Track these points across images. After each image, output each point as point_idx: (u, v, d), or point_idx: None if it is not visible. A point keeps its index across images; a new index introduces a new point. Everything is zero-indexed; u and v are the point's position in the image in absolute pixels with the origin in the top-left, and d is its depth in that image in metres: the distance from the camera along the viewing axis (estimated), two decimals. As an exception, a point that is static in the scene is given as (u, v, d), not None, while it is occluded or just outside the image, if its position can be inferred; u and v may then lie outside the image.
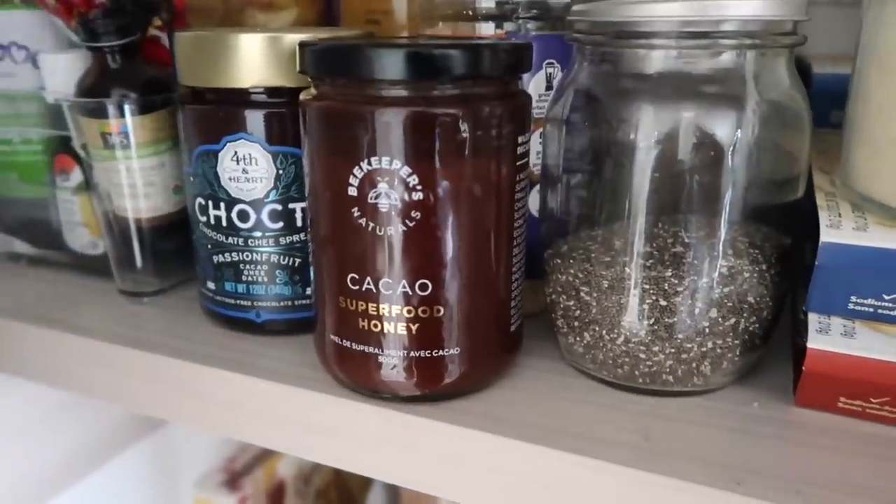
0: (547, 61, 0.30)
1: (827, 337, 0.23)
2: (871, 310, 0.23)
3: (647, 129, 0.24)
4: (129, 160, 0.33)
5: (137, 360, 0.31)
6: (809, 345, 0.23)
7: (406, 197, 0.23)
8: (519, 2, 0.29)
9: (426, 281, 0.24)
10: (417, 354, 0.25)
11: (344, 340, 0.26)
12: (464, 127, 0.23)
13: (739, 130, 0.24)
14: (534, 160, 0.30)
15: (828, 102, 0.33)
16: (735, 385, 0.27)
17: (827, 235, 0.23)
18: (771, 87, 0.24)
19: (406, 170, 0.23)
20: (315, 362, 0.28)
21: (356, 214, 0.24)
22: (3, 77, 0.37)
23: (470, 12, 0.30)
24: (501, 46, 0.23)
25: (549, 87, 0.30)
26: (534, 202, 0.30)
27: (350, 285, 0.25)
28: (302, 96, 0.25)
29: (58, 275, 0.39)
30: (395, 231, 0.23)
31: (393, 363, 0.25)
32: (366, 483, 0.72)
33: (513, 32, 0.29)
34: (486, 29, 0.30)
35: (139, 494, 0.61)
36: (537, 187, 0.30)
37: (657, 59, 0.24)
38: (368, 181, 0.23)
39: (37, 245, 0.40)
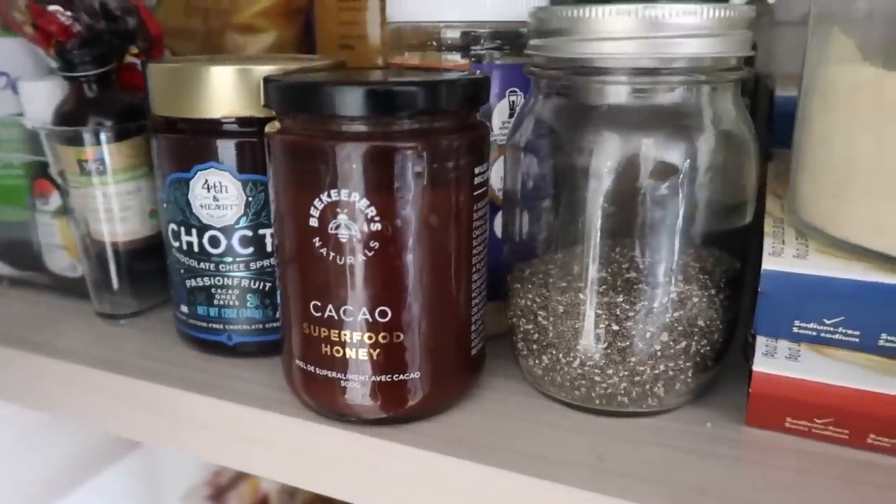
0: (510, 90, 0.30)
1: (772, 360, 0.24)
2: (815, 333, 0.24)
3: (600, 159, 0.25)
4: (105, 186, 0.33)
5: (113, 383, 0.32)
6: (755, 368, 0.24)
7: (365, 228, 0.24)
8: (482, 33, 0.30)
9: (386, 308, 0.25)
10: (380, 379, 0.26)
11: (309, 365, 0.26)
12: (421, 160, 0.24)
13: (689, 160, 0.24)
14: (499, 185, 0.31)
15: (789, 123, 0.34)
16: (689, 405, 0.28)
17: (768, 263, 0.24)
18: (719, 118, 0.25)
19: (364, 202, 0.24)
20: (283, 384, 0.29)
21: (317, 244, 0.24)
22: (-17, 103, 0.38)
23: (435, 42, 0.31)
24: (459, 81, 0.24)
25: (511, 114, 0.31)
26: (499, 224, 0.31)
27: (313, 312, 0.25)
28: (267, 129, 0.26)
29: (38, 296, 0.40)
30: (354, 260, 0.24)
31: (356, 387, 0.26)
32: (351, 496, 0.73)
33: (477, 62, 0.30)
34: (452, 58, 0.30)
35: (124, 510, 0.62)
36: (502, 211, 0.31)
37: (610, 93, 0.25)
38: (329, 212, 0.24)
39: (17, 267, 0.40)
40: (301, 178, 0.24)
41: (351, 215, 0.24)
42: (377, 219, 0.24)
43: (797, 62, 0.31)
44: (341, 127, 0.24)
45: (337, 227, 0.24)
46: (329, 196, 0.24)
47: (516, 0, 0.30)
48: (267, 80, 0.25)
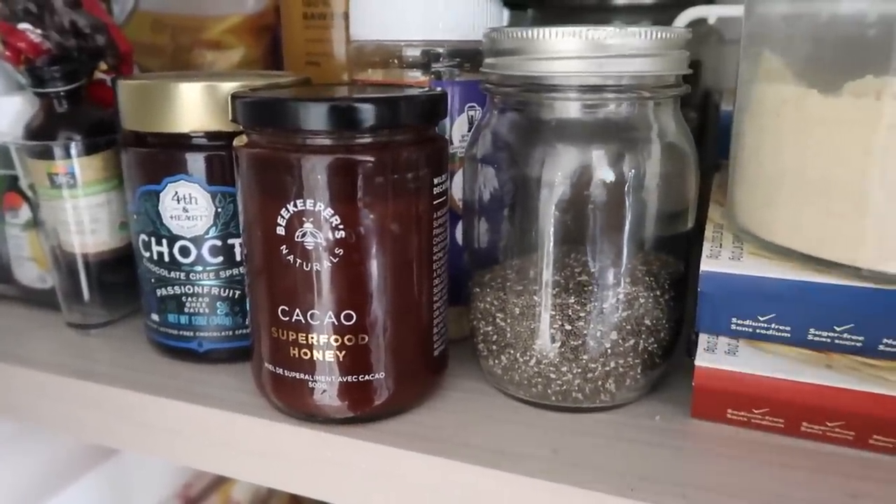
0: (469, 105, 0.32)
1: (713, 355, 0.26)
2: (751, 330, 0.26)
3: (551, 170, 0.27)
4: (75, 199, 0.34)
5: (84, 391, 0.32)
6: (697, 362, 0.26)
7: (329, 236, 0.25)
8: (442, 51, 0.32)
9: (351, 311, 0.26)
10: (346, 379, 0.27)
11: (278, 368, 0.28)
12: (383, 172, 0.25)
13: (634, 170, 0.26)
14: (460, 195, 0.32)
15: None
16: (640, 401, 0.29)
17: (706, 265, 0.26)
18: (662, 131, 0.27)
19: (329, 211, 0.25)
20: (254, 388, 0.30)
21: (284, 252, 0.26)
22: (-48, 118, 0.38)
23: (397, 60, 0.32)
24: (417, 97, 0.26)
25: (470, 128, 0.32)
26: (460, 232, 0.33)
27: (281, 316, 0.27)
28: (235, 142, 0.27)
29: (6, 308, 0.40)
30: (320, 266, 0.26)
31: (324, 388, 0.27)
32: (322, 505, 0.73)
33: (437, 79, 0.32)
34: (413, 75, 0.32)
35: (93, 523, 0.61)
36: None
37: (560, 108, 0.27)
38: (295, 221, 0.25)
39: (-14, 279, 0.41)
40: (268, 188, 0.26)
41: (316, 224, 0.25)
42: (341, 227, 0.25)
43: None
44: (306, 141, 0.25)
45: (303, 236, 0.25)
46: (295, 206, 0.25)
47: (474, 20, 0.32)
48: (234, 97, 0.26)
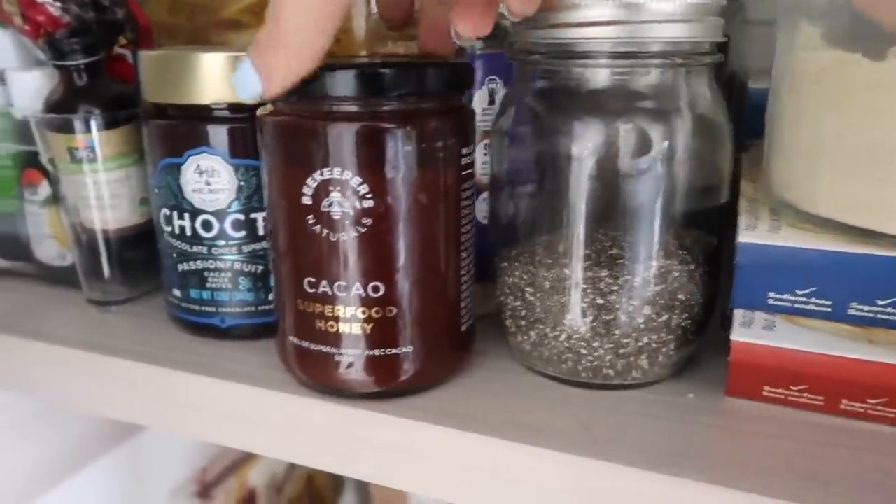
0: (489, 78, 0.31)
1: (749, 330, 0.25)
2: (788, 304, 0.25)
3: (582, 141, 0.26)
4: (95, 173, 0.34)
5: (107, 366, 0.32)
6: (733, 337, 0.25)
7: (357, 205, 0.25)
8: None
9: (378, 283, 0.26)
10: (373, 353, 0.26)
11: (303, 341, 0.27)
12: (409, 140, 0.24)
13: (667, 141, 0.26)
14: (482, 170, 0.31)
15: (762, 115, 0.35)
16: (672, 378, 0.29)
17: (744, 236, 0.25)
18: (695, 102, 0.26)
19: (357, 179, 0.24)
20: (277, 364, 0.30)
21: (311, 222, 0.25)
22: (-29, 95, 0.38)
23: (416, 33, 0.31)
24: (444, 65, 0.25)
25: (491, 102, 0.32)
26: (481, 209, 0.32)
27: (307, 289, 0.26)
28: (259, 112, 0.26)
29: (27, 286, 0.40)
30: (347, 237, 0.25)
31: (350, 362, 0.27)
32: (337, 490, 0.73)
33: (459, 51, 0.31)
34: None
35: (111, 505, 0.61)
36: (486, 195, 0.32)
37: (591, 77, 0.26)
38: (322, 190, 0.25)
39: (5, 257, 0.41)
40: (294, 157, 0.25)
41: (343, 192, 0.25)
42: (369, 196, 0.25)
43: (768, 58, 0.32)
44: (332, 108, 0.24)
45: (330, 205, 0.25)
46: (322, 174, 0.24)
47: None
48: (260, 64, 0.26)
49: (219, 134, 0.29)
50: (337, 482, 0.73)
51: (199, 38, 0.50)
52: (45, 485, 0.54)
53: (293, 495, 0.71)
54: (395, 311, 0.26)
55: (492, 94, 0.32)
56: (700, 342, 0.29)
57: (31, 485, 0.53)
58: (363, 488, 0.71)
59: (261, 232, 0.31)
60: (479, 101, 0.31)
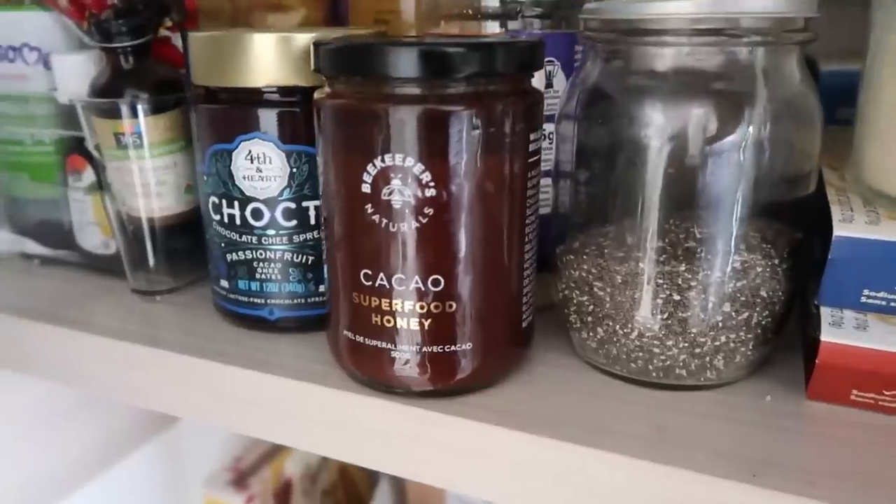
0: (547, 59, 0.30)
1: (840, 330, 0.24)
2: (884, 303, 0.23)
3: (658, 126, 0.24)
4: (141, 160, 0.33)
5: (152, 358, 0.31)
6: (823, 338, 0.24)
7: (419, 193, 0.23)
8: (522, 2, 0.29)
9: (439, 277, 0.24)
10: (430, 350, 0.25)
11: (357, 336, 0.26)
12: (476, 124, 0.23)
13: (751, 127, 0.24)
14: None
15: (834, 99, 0.33)
16: (747, 379, 0.27)
17: (840, 229, 0.23)
18: (782, 85, 0.24)
19: (419, 167, 0.23)
20: (328, 358, 0.29)
21: (369, 211, 0.24)
22: (15, 79, 0.37)
23: (472, 11, 0.30)
24: (516, 45, 0.24)
25: (548, 85, 0.30)
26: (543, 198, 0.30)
27: (363, 281, 0.25)
28: (316, 95, 0.25)
29: (70, 274, 0.39)
30: (408, 227, 0.24)
31: (406, 358, 0.25)
32: (372, 482, 0.72)
33: (515, 31, 0.30)
34: (491, 28, 0.30)
35: (149, 494, 0.62)
36: (547, 182, 0.30)
37: (669, 57, 0.24)
38: (382, 178, 0.23)
39: (48, 245, 0.40)
40: (353, 143, 0.24)
41: (405, 181, 0.23)
42: (432, 184, 0.23)
43: (840, 38, 0.30)
44: (394, 89, 0.23)
45: (390, 193, 0.23)
46: (383, 161, 0.23)
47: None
48: (318, 44, 0.24)
49: (271, 118, 0.28)
50: (372, 473, 0.72)
51: (241, 20, 0.49)
52: (87, 474, 0.54)
53: (328, 485, 0.70)
54: (454, 305, 0.25)
55: (549, 77, 0.30)
56: (777, 342, 0.27)
57: (73, 474, 0.53)
58: (398, 479, 0.71)
59: (312, 221, 0.30)
60: (535, 83, 0.30)
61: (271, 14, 0.48)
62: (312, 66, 0.25)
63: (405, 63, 0.22)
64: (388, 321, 0.25)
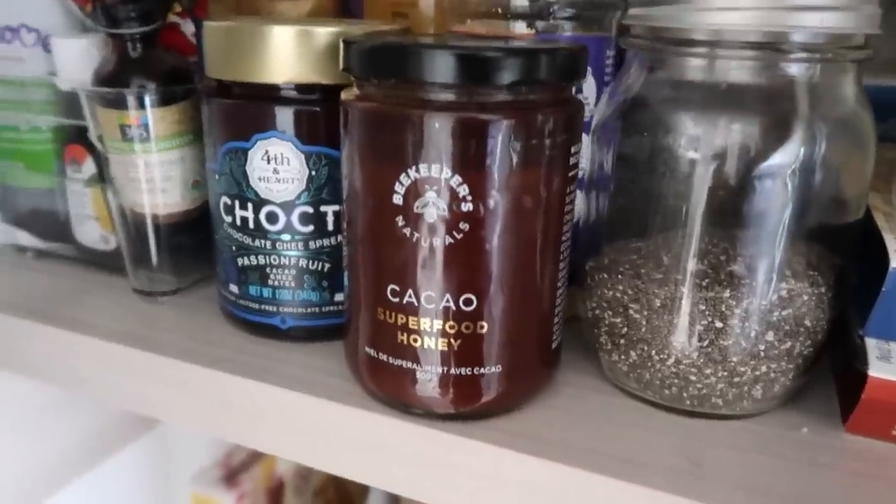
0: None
1: (888, 365, 0.23)
2: (935, 338, 0.22)
3: (704, 142, 0.23)
4: (147, 154, 0.31)
5: (152, 363, 0.30)
6: (871, 372, 0.23)
7: (454, 207, 0.22)
8: (554, 1, 0.28)
9: (471, 296, 0.23)
10: (456, 372, 0.24)
11: (380, 353, 0.24)
12: (517, 135, 0.21)
13: (802, 148, 0.22)
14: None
15: (878, 115, 0.32)
16: (781, 408, 0.26)
17: (896, 260, 0.22)
18: (837, 104, 0.23)
19: (456, 179, 0.22)
20: (342, 371, 0.27)
21: (400, 224, 0.22)
22: (12, 61, 0.35)
23: (501, 10, 0.28)
24: (560, 51, 0.22)
25: (578, 90, 0.28)
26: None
27: (390, 297, 0.23)
28: (344, 95, 0.24)
29: (66, 269, 0.37)
30: (440, 243, 0.22)
31: (430, 379, 0.24)
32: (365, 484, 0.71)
33: (545, 33, 0.28)
34: (518, 28, 0.28)
35: (137, 491, 0.60)
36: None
37: (719, 70, 0.23)
38: (415, 190, 0.22)
39: (43, 238, 0.38)
40: (384, 150, 0.22)
41: (440, 193, 0.22)
42: (469, 198, 0.22)
43: (885, 49, 0.28)
44: (431, 95, 0.22)
45: (424, 206, 0.22)
46: (418, 171, 0.22)
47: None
48: (348, 42, 0.23)
49: (291, 117, 0.27)
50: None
51: (248, 6, 0.47)
52: (74, 471, 0.52)
53: (320, 484, 0.69)
54: (486, 326, 0.23)
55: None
56: (815, 371, 0.26)
57: (61, 471, 0.51)
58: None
59: (330, 227, 0.28)
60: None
61: (280, 1, 0.46)
62: (341, 66, 0.23)
63: (444, 67, 0.21)
64: (415, 340, 0.24)
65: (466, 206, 0.22)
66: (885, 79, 0.37)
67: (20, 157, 0.37)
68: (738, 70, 0.23)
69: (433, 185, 0.22)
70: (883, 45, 0.34)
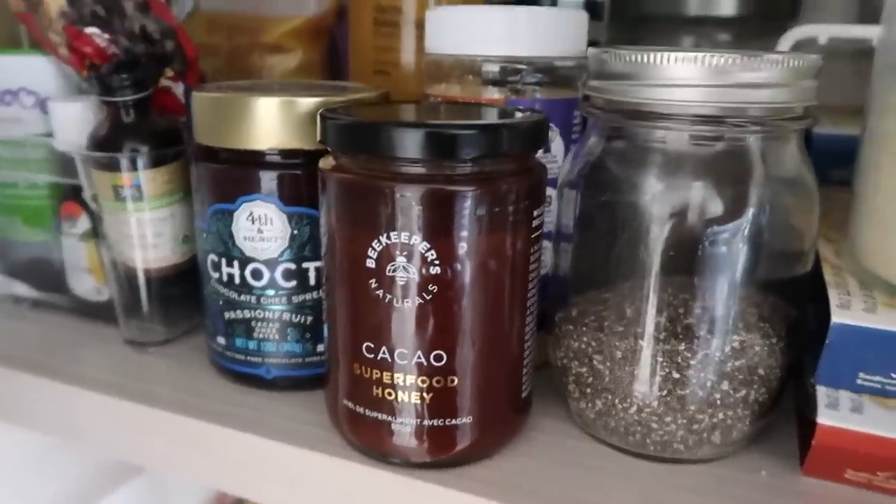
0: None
1: (836, 412, 0.24)
2: (879, 386, 0.24)
3: (658, 204, 0.25)
4: (140, 212, 0.33)
5: (143, 415, 0.31)
6: (819, 420, 0.24)
7: (424, 271, 0.23)
8: (523, 67, 0.29)
9: (441, 352, 0.24)
10: (430, 423, 0.25)
11: (357, 406, 0.26)
12: (482, 204, 0.23)
13: (752, 208, 0.24)
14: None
15: (827, 161, 0.34)
16: (742, 452, 0.27)
17: (838, 316, 0.23)
18: (781, 166, 0.25)
19: (425, 245, 0.23)
20: (324, 421, 0.28)
21: (373, 286, 0.24)
22: (10, 123, 0.37)
23: (473, 76, 0.30)
24: (521, 124, 0.24)
25: (546, 150, 0.30)
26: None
27: (365, 353, 0.25)
28: (322, 163, 0.25)
29: (59, 319, 0.39)
30: (411, 303, 0.24)
31: (405, 430, 0.25)
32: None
33: (515, 96, 0.30)
34: (490, 92, 0.30)
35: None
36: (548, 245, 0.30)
37: (675, 140, 0.25)
38: (387, 254, 0.23)
39: (38, 288, 0.40)
40: (358, 218, 0.24)
41: (410, 258, 0.23)
42: (437, 262, 0.23)
43: (830, 95, 0.30)
44: (400, 168, 0.23)
45: (395, 270, 0.23)
46: (388, 238, 0.23)
47: (556, 37, 0.30)
48: (324, 118, 0.24)
49: (274, 181, 0.28)
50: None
51: (237, 60, 0.49)
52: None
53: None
54: (456, 380, 0.25)
55: (548, 142, 0.30)
56: (773, 415, 0.27)
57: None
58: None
59: (312, 282, 0.29)
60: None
61: (270, 56, 0.48)
62: (319, 138, 0.25)
63: (411, 144, 0.23)
64: (389, 394, 0.25)
65: (435, 270, 0.23)
66: (843, 127, 0.39)
67: (18, 212, 0.38)
68: (690, 140, 0.24)
69: (403, 250, 0.23)
70: (839, 96, 0.36)
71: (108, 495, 0.56)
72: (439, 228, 0.23)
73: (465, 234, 0.23)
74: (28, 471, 0.50)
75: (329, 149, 0.25)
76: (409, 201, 0.23)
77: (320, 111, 0.25)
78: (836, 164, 0.35)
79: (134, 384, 0.32)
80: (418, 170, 0.23)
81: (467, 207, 0.23)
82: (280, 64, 0.48)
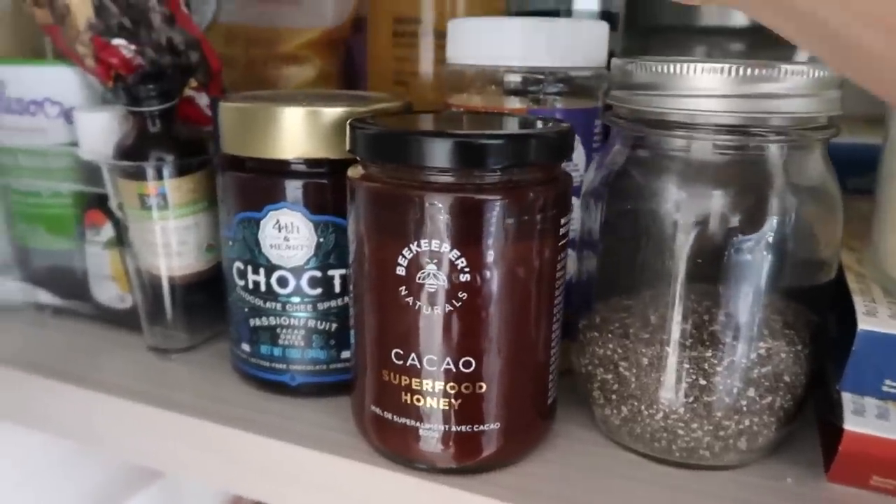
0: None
1: (862, 419, 0.24)
2: (905, 393, 0.24)
3: (683, 212, 0.25)
4: (165, 221, 0.33)
5: (166, 420, 0.31)
6: (846, 426, 0.24)
7: (453, 278, 0.24)
8: (544, 77, 0.30)
9: (470, 358, 0.24)
10: (458, 429, 0.25)
11: (385, 412, 0.26)
12: (510, 213, 0.23)
13: (776, 216, 0.24)
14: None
15: (844, 170, 0.34)
16: (767, 459, 0.27)
17: (864, 323, 0.24)
18: (805, 175, 0.25)
19: (455, 253, 0.23)
20: (349, 427, 0.29)
21: (403, 293, 0.24)
22: (35, 132, 0.38)
23: (495, 86, 0.30)
24: (548, 134, 0.24)
25: (568, 159, 0.30)
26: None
27: (394, 360, 0.25)
28: (350, 172, 0.26)
29: (83, 326, 0.39)
30: (441, 310, 0.24)
31: (432, 436, 0.25)
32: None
33: (536, 106, 0.30)
34: (511, 102, 0.30)
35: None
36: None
37: (695, 148, 0.25)
38: (417, 262, 0.24)
39: (61, 296, 0.40)
40: (388, 226, 0.24)
41: (440, 266, 0.24)
42: (467, 269, 0.24)
43: (854, 106, 0.30)
44: (430, 178, 0.24)
45: (425, 277, 0.24)
46: (419, 246, 0.24)
47: (578, 47, 0.30)
48: (354, 127, 0.25)
49: (299, 189, 0.29)
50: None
51: (255, 71, 0.49)
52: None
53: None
54: (484, 387, 0.25)
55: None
56: (798, 422, 0.27)
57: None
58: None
59: (337, 289, 0.30)
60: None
61: (287, 67, 0.48)
62: (348, 147, 0.25)
63: (443, 153, 0.23)
64: (418, 400, 0.25)
65: (464, 277, 0.24)
66: (860, 136, 0.39)
67: (41, 220, 0.39)
68: (714, 149, 0.25)
69: (433, 258, 0.24)
70: (858, 105, 0.36)
71: (125, 501, 0.56)
72: (469, 237, 0.23)
73: (494, 242, 0.23)
74: (49, 475, 0.50)
75: (358, 158, 0.25)
76: (440, 210, 0.23)
77: (350, 121, 0.25)
78: (853, 172, 0.35)
79: (157, 390, 0.33)
80: (448, 179, 0.23)
81: (496, 216, 0.23)
82: (297, 75, 0.48)
